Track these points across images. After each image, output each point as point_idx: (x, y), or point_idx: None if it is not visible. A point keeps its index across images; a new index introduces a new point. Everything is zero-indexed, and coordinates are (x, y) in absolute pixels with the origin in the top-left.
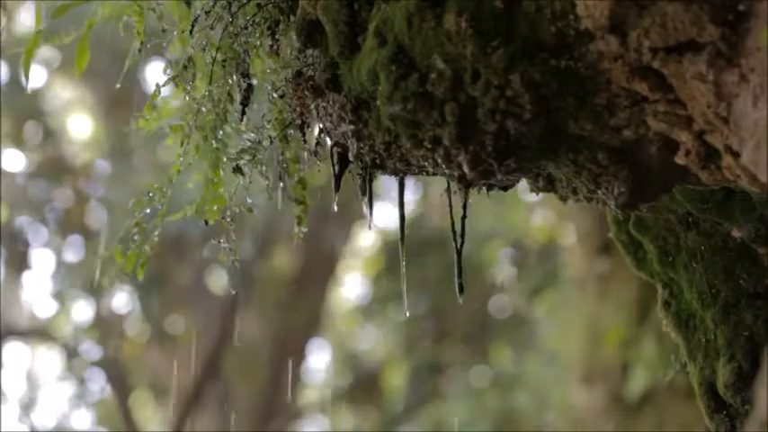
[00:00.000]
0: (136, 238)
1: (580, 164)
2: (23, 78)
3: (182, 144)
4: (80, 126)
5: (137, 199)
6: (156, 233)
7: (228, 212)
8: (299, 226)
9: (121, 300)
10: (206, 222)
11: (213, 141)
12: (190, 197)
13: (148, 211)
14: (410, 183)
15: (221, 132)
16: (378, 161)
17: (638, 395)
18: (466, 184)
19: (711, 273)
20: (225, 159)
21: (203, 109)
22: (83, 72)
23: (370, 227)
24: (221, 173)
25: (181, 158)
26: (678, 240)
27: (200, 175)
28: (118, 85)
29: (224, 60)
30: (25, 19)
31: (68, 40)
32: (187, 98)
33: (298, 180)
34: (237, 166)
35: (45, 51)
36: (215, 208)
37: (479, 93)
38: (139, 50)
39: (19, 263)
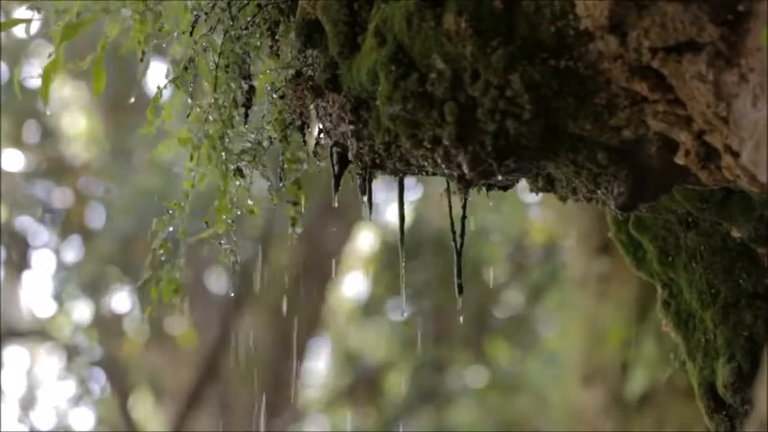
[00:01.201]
0: (163, 258)
1: (580, 164)
2: (43, 103)
3: (192, 158)
4: (79, 125)
5: (157, 219)
6: (183, 250)
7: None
8: (293, 227)
9: (121, 300)
10: (207, 224)
11: (223, 153)
12: (198, 206)
13: (171, 229)
14: (411, 183)
15: (227, 140)
16: (377, 161)
17: (638, 395)
18: (466, 184)
19: (711, 273)
20: (232, 168)
21: (210, 118)
22: (83, 70)
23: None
24: (229, 181)
25: (192, 172)
26: (678, 240)
27: (211, 179)
28: (132, 100)
29: (227, 66)
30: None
31: (85, 65)
32: (189, 100)
33: (293, 181)
34: (238, 167)
35: (44, 50)
36: (224, 217)
37: (479, 93)
38: (141, 60)
39: (19, 263)
